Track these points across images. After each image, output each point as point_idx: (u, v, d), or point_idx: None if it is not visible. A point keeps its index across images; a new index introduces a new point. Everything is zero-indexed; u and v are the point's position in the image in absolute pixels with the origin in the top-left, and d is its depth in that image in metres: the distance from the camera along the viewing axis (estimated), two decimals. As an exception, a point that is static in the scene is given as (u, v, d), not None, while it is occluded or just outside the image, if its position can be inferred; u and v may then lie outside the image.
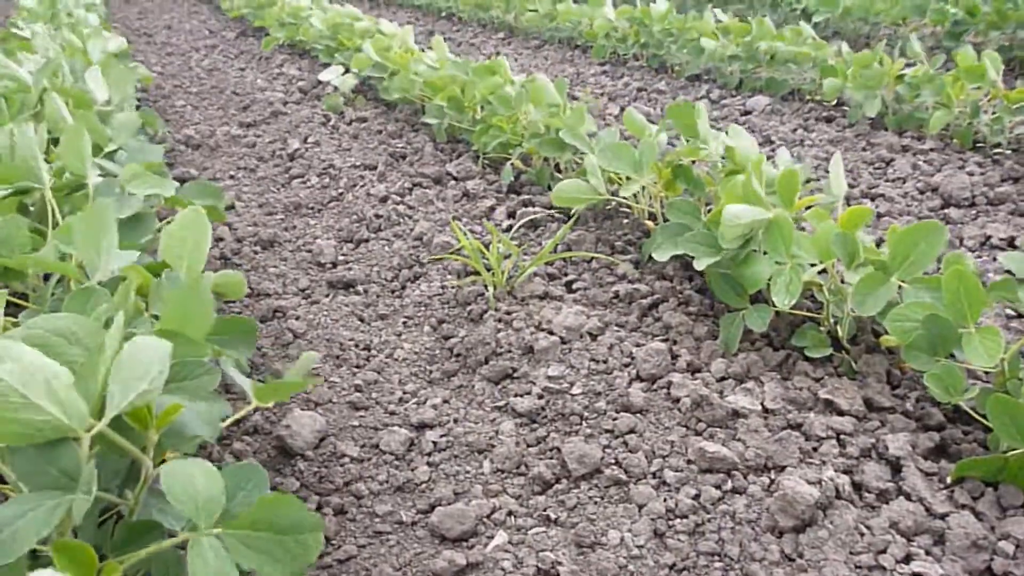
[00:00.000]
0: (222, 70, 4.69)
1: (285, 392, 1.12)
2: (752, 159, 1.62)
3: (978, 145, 2.71)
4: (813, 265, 1.50)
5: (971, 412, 1.30)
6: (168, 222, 1.41)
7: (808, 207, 1.64)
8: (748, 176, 1.52)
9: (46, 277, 1.44)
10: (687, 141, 1.92)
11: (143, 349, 0.89)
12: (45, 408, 0.78)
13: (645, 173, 1.88)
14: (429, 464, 1.32)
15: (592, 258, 1.95)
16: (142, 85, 3.81)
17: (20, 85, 2.43)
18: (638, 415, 1.38)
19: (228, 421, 1.07)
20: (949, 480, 1.21)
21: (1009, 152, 2.61)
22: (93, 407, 0.83)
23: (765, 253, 1.54)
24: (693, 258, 1.64)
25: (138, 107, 2.93)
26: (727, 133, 1.87)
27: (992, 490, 1.19)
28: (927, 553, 1.09)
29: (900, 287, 1.39)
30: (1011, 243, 2.03)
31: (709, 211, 1.73)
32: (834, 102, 3.29)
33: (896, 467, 1.24)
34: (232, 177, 2.80)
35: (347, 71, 3.80)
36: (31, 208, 1.65)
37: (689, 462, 1.27)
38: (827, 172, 2.54)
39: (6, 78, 2.38)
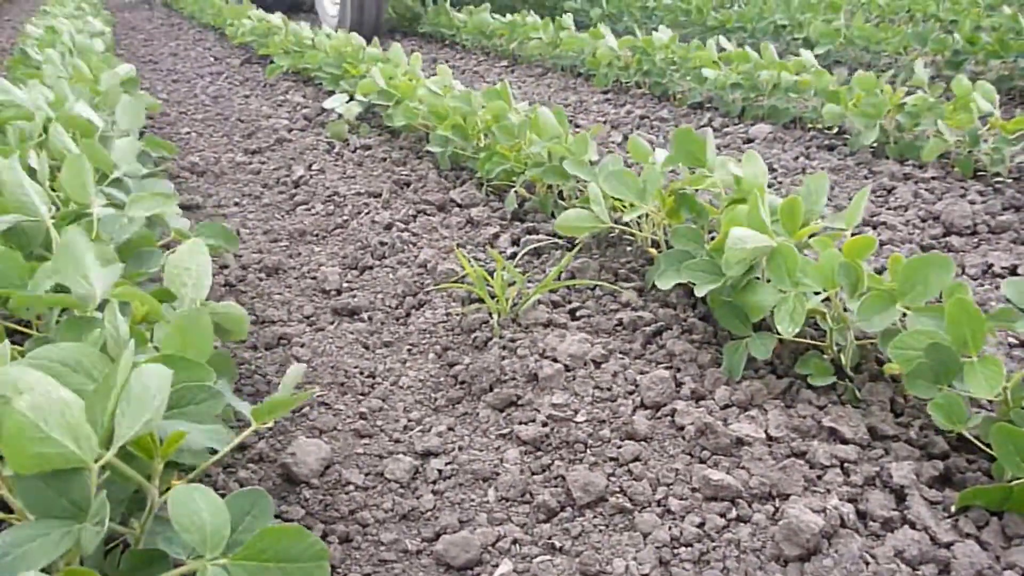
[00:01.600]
0: (227, 97, 4.72)
1: (280, 409, 1.12)
2: (756, 186, 1.63)
3: (979, 174, 2.73)
4: (817, 293, 1.50)
5: (975, 440, 1.30)
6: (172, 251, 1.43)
7: (812, 235, 1.65)
8: (754, 203, 1.53)
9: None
10: (690, 171, 1.93)
11: (149, 376, 0.89)
12: (59, 440, 0.78)
13: (649, 200, 1.89)
14: (434, 492, 1.32)
15: (596, 286, 1.95)
16: (148, 112, 3.84)
17: (25, 113, 2.45)
18: (642, 443, 1.38)
19: (229, 447, 1.08)
20: (954, 509, 1.21)
21: (1010, 181, 2.63)
22: (102, 437, 0.83)
23: (768, 281, 1.55)
24: (695, 285, 1.64)
25: (143, 134, 2.95)
26: (741, 160, 1.86)
27: (997, 519, 1.19)
28: (933, 583, 1.08)
29: (904, 315, 1.40)
30: (1013, 271, 2.03)
31: (712, 239, 1.73)
32: (835, 130, 3.31)
33: (900, 496, 1.24)
34: (237, 204, 2.81)
35: (351, 99, 3.83)
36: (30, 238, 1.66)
37: (694, 490, 1.27)
38: (829, 200, 2.56)
39: (9, 106, 2.40)
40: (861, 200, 1.62)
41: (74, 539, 0.77)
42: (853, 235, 1.53)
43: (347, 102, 3.76)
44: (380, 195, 2.78)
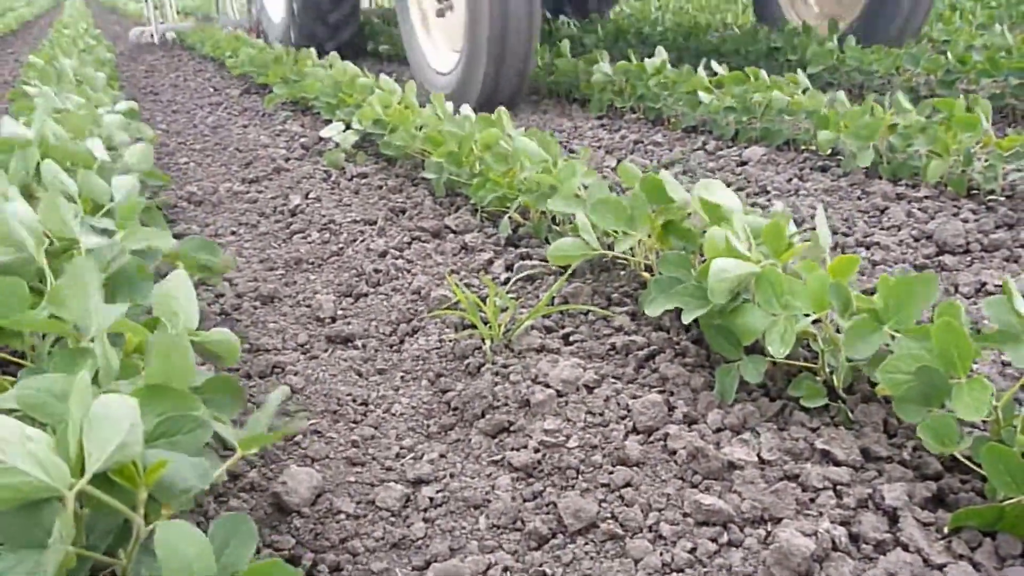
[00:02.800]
0: (226, 127, 4.76)
1: (266, 440, 1.12)
2: (730, 214, 1.64)
3: (972, 192, 2.73)
4: (807, 315, 1.51)
5: (967, 461, 1.30)
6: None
7: (801, 257, 1.65)
8: (728, 232, 1.54)
9: (44, 335, 1.46)
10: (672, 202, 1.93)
11: (110, 406, 0.90)
12: (26, 470, 0.78)
13: (638, 227, 1.90)
14: (425, 520, 1.32)
15: (588, 311, 1.96)
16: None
17: (23, 144, 2.47)
18: (634, 468, 1.38)
19: (217, 472, 1.08)
20: (946, 530, 1.21)
21: (1003, 199, 2.63)
22: (74, 466, 0.84)
23: (757, 304, 1.55)
24: (683, 310, 1.65)
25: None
26: (702, 187, 1.85)
27: (990, 540, 1.18)
28: (925, 605, 1.08)
29: (893, 337, 1.40)
30: (1006, 290, 2.03)
31: (703, 262, 1.74)
32: (829, 152, 3.33)
33: (893, 517, 1.24)
34: (234, 233, 2.83)
35: (348, 127, 3.85)
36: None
37: (685, 515, 1.27)
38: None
39: (11, 141, 2.43)
40: (822, 221, 1.63)
41: (46, 568, 0.77)
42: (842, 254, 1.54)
43: (343, 131, 3.78)
44: (375, 222, 2.79)
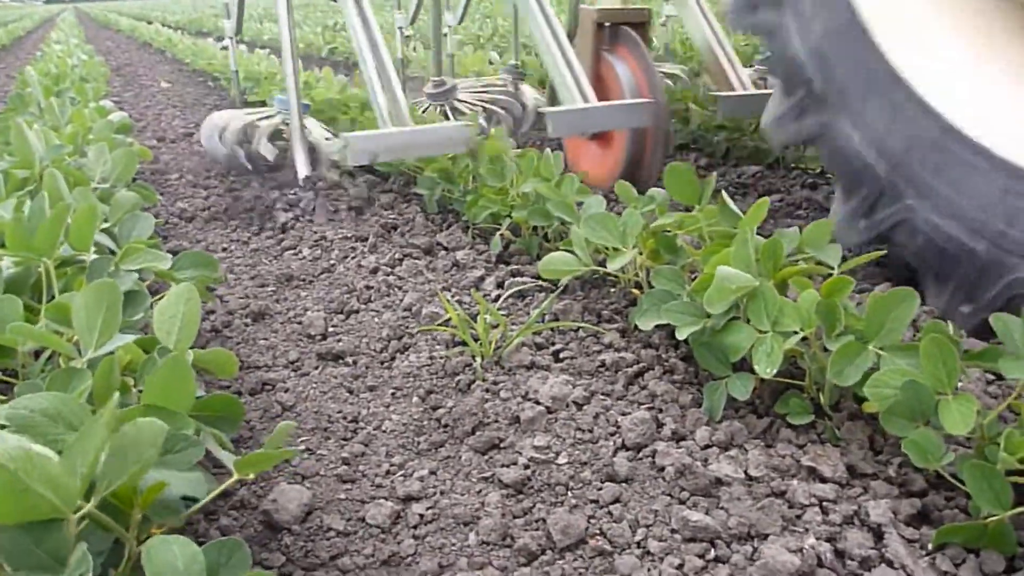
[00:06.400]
0: (218, 143, 4.76)
1: (265, 463, 1.13)
2: (740, 230, 1.66)
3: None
4: (796, 333, 1.52)
5: (952, 478, 1.31)
6: (160, 297, 1.44)
7: (793, 275, 1.67)
8: (741, 241, 1.56)
9: (37, 355, 1.47)
10: (689, 208, 1.96)
11: (142, 429, 0.90)
12: (39, 492, 0.79)
13: (630, 243, 1.92)
14: (415, 537, 1.32)
15: (579, 327, 1.97)
16: (140, 159, 3.87)
17: (23, 160, 2.49)
18: (623, 484, 1.39)
19: (212, 495, 1.09)
20: (931, 547, 1.22)
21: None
22: (81, 488, 0.84)
23: (748, 321, 1.57)
24: (677, 327, 1.66)
25: (134, 180, 2.98)
26: (720, 201, 1.90)
27: (974, 556, 1.20)
28: (910, 622, 1.09)
29: (878, 355, 1.42)
30: (992, 307, 2.05)
31: (694, 278, 1.75)
32: (818, 169, 3.36)
33: (878, 534, 1.25)
34: (225, 249, 2.83)
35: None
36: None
37: (673, 531, 1.28)
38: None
39: (20, 150, 2.44)
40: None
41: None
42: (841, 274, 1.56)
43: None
44: (367, 239, 2.80)
